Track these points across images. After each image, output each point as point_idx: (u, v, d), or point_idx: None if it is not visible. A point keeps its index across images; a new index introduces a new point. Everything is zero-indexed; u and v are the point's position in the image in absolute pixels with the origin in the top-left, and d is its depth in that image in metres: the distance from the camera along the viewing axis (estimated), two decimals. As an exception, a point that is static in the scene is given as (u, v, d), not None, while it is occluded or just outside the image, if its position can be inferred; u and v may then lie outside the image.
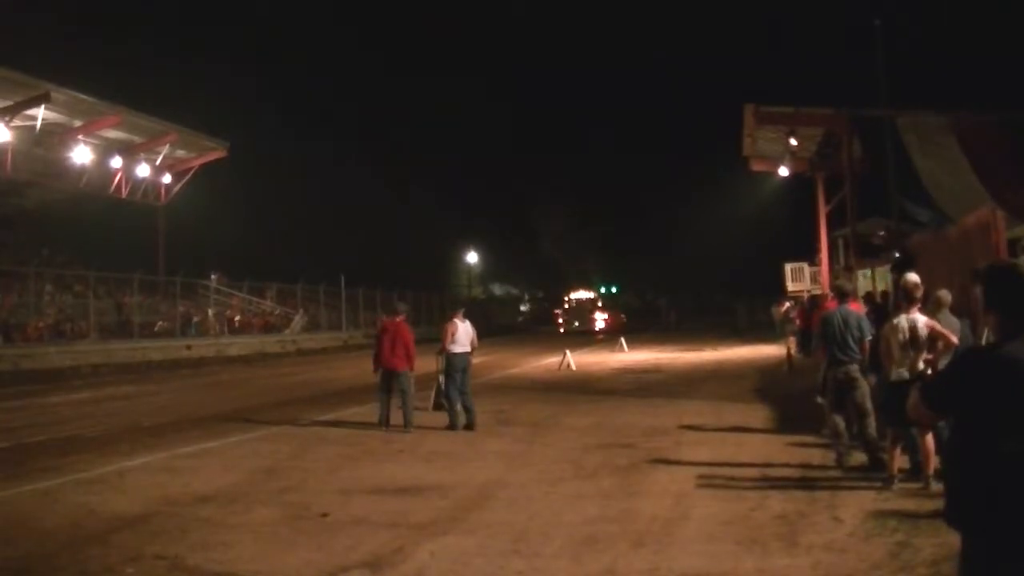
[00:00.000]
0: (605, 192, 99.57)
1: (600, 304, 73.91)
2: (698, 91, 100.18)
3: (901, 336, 8.89)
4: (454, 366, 14.63)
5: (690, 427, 14.08)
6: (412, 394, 14.64)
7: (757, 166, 38.71)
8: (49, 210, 44.19)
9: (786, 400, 17.18)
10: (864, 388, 10.39)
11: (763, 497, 8.79)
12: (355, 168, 73.52)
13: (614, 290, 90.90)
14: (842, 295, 11.37)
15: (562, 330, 67.57)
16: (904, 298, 9.16)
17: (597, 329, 65.51)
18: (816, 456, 11.03)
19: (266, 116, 72.36)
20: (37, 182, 41.19)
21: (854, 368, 10.41)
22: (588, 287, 77.10)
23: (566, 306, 73.95)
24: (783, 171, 35.36)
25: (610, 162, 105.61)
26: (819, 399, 12.16)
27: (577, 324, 68.38)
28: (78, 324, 36.53)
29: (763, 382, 21.88)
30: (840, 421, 10.51)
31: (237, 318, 47.44)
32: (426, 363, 16.34)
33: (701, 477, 9.96)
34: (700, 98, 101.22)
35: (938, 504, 7.16)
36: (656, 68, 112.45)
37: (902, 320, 8.96)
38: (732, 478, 9.84)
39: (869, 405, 10.30)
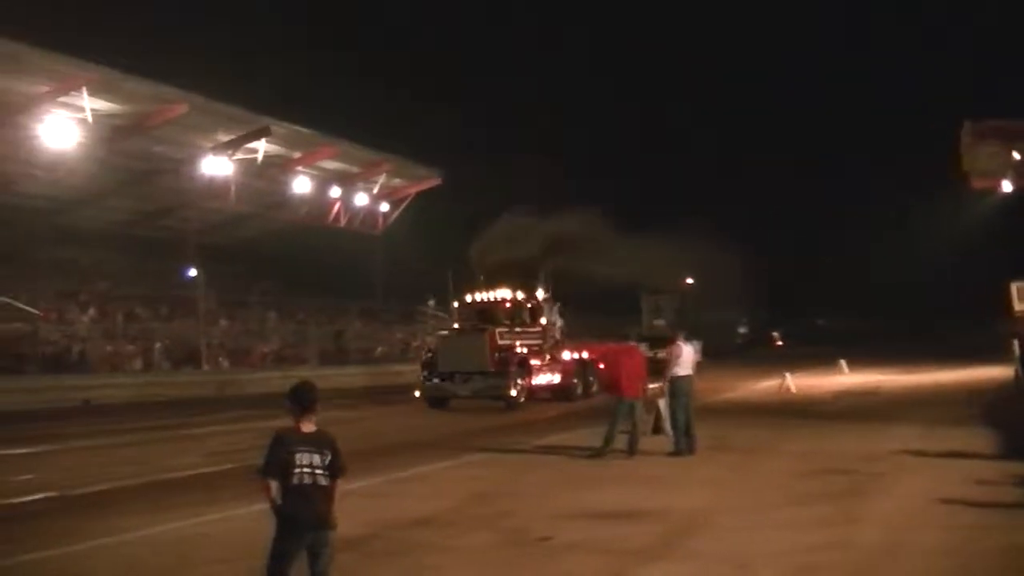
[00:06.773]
0: (800, 207, 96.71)
1: (541, 319, 27.78)
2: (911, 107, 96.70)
3: None
4: (680, 389, 14.32)
5: (909, 452, 13.47)
6: (642, 420, 14.50)
7: (977, 183, 36.94)
8: (269, 240, 46.02)
9: (1013, 425, 16.09)
10: None
11: (987, 528, 8.34)
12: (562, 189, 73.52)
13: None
14: None
15: (417, 393, 25.64)
16: None
17: (514, 394, 24.43)
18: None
19: (481, 141, 73.66)
20: (258, 213, 43.12)
21: None
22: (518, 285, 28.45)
23: (459, 318, 29.48)
24: (1006, 186, 33.63)
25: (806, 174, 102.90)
26: None
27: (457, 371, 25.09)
28: (299, 351, 38.09)
29: (987, 405, 20.60)
30: None
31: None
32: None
33: (920, 505, 9.56)
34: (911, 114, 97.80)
35: None
36: (866, 79, 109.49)
37: None
38: (953, 506, 9.35)
39: None
